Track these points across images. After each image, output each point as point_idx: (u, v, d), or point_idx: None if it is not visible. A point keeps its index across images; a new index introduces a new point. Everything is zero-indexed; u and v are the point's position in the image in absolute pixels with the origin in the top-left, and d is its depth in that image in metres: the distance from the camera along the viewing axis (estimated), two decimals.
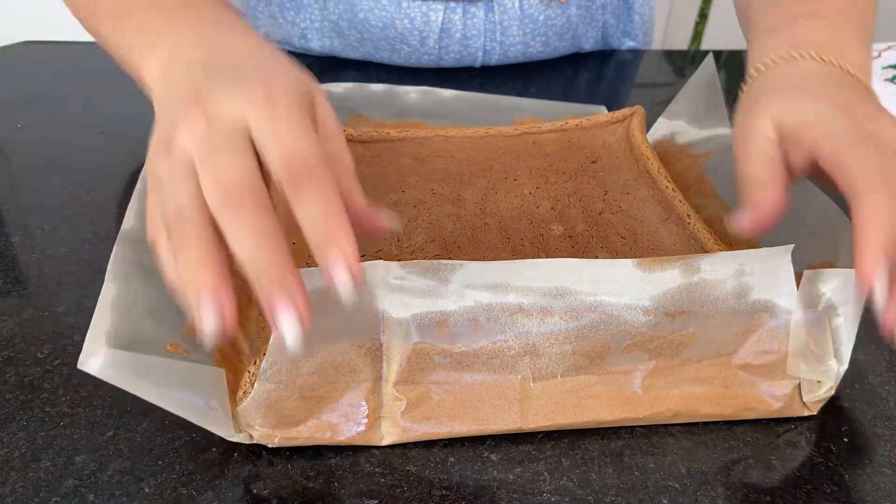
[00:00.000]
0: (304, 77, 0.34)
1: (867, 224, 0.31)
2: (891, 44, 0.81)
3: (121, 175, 0.55)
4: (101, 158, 0.58)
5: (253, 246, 0.27)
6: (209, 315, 0.26)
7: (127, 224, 0.39)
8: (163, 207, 0.29)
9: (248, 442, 0.33)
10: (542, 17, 0.72)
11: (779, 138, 0.37)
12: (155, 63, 0.37)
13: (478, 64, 0.75)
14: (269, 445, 0.33)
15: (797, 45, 0.42)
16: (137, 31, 0.40)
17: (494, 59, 0.75)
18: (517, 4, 0.71)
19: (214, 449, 0.34)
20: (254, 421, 0.33)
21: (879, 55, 0.79)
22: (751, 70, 0.43)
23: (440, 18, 0.69)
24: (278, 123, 0.29)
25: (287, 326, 0.26)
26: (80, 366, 0.29)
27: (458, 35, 0.71)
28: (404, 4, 0.69)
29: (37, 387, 0.37)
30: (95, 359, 0.29)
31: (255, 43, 0.36)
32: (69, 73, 0.73)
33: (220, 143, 0.29)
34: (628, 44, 0.83)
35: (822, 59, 0.40)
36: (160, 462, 0.33)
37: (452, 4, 0.69)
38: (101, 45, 0.47)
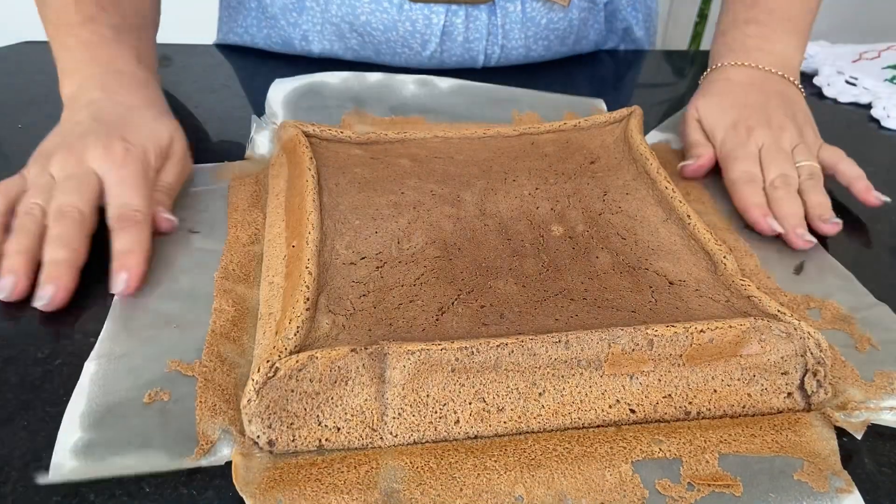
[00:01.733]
0: (163, 136, 0.50)
1: (743, 202, 0.51)
2: (891, 44, 0.81)
3: None
4: None
5: (59, 246, 0.42)
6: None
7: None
8: (21, 200, 0.44)
9: (221, 463, 0.33)
10: (543, 21, 0.72)
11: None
12: (67, 85, 0.53)
13: (478, 66, 0.75)
14: (274, 451, 0.33)
15: (735, 50, 0.62)
16: (64, 51, 0.54)
17: (494, 62, 0.75)
18: (519, 8, 0.71)
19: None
20: (258, 427, 0.33)
21: (879, 55, 0.79)
22: (709, 68, 0.64)
23: (442, 21, 0.69)
24: (122, 182, 0.45)
25: (46, 294, 0.40)
26: (40, 480, 0.31)
27: (459, 38, 0.71)
28: (406, 7, 0.68)
29: (37, 387, 0.37)
30: (50, 474, 0.32)
31: (142, 102, 0.52)
32: None
33: (73, 179, 0.45)
34: (637, 32, 0.83)
35: (749, 65, 0.61)
36: None
37: (455, 7, 0.69)
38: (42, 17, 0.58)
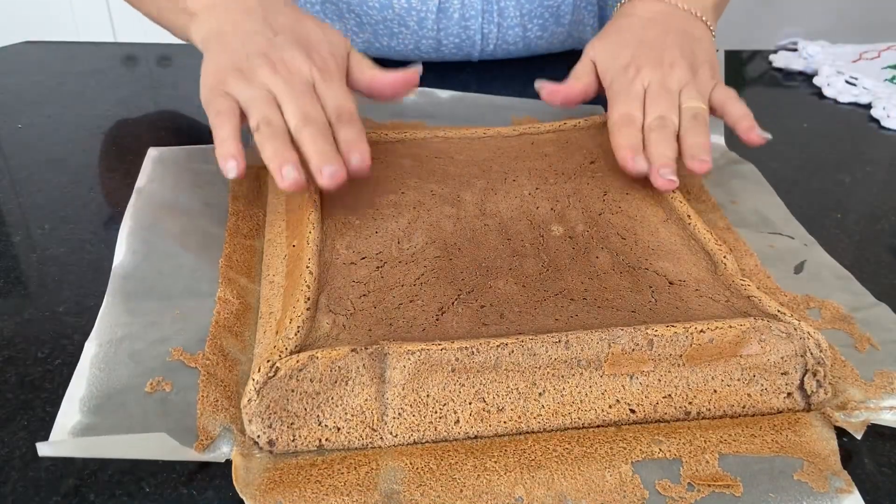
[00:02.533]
0: (341, 41, 0.51)
1: (615, 144, 0.50)
2: (891, 44, 0.81)
3: (121, 175, 0.55)
4: (102, 158, 0.58)
5: (313, 143, 0.43)
6: (288, 176, 0.42)
7: (118, 259, 0.43)
8: (253, 112, 0.45)
9: (221, 460, 0.33)
10: None
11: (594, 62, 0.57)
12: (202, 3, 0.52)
13: (476, 51, 0.74)
14: (274, 451, 0.33)
15: None
16: None
17: (492, 45, 0.74)
18: None
19: None
20: (258, 427, 0.33)
21: (879, 55, 0.79)
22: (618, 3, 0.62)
23: None
24: (331, 84, 0.47)
25: (326, 175, 0.42)
26: (39, 452, 0.30)
27: (455, 16, 0.71)
28: None
29: (37, 386, 0.37)
30: (49, 447, 0.31)
31: (296, 8, 0.52)
32: (69, 73, 0.73)
33: (298, 88, 0.46)
34: None
35: (656, 0, 0.58)
36: (160, 461, 0.33)
37: None
38: None
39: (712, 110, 0.53)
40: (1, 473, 0.32)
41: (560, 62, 0.79)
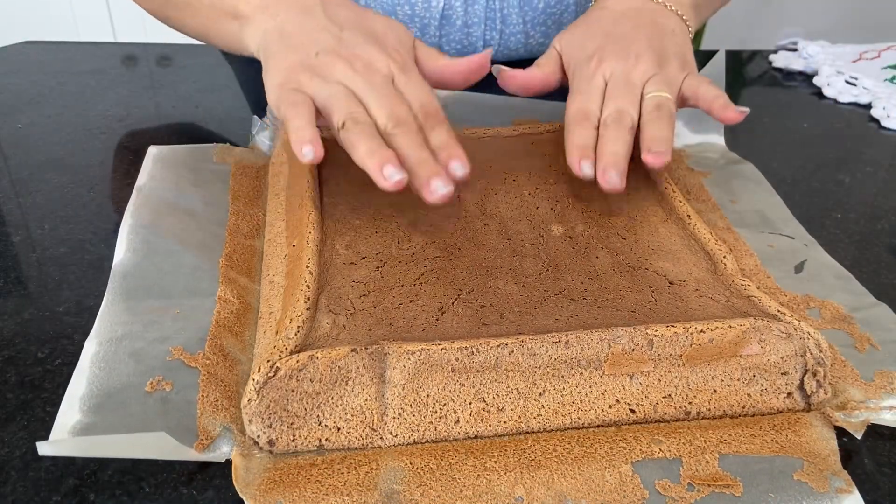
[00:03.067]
0: (405, 32, 0.49)
1: (567, 143, 0.47)
2: (891, 44, 0.81)
3: (121, 175, 0.55)
4: (101, 158, 0.58)
5: (413, 150, 0.41)
6: (395, 175, 0.40)
7: (118, 257, 0.43)
8: (336, 110, 0.43)
9: (221, 460, 0.33)
10: (541, 5, 0.72)
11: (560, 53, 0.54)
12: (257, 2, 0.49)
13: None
14: (274, 451, 0.33)
15: None
16: None
17: (494, 51, 0.74)
18: None
19: None
20: (258, 427, 0.33)
21: (879, 55, 0.79)
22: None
23: (441, 5, 0.69)
24: (410, 77, 0.45)
25: (439, 188, 0.40)
26: (40, 451, 0.30)
27: (458, 23, 0.71)
28: None
29: (37, 386, 0.37)
30: (50, 446, 0.31)
31: (353, 2, 0.50)
32: (69, 73, 0.73)
33: (380, 84, 0.44)
34: None
35: None
36: (160, 461, 0.33)
37: None
38: None
39: (684, 101, 0.50)
40: (1, 473, 0.32)
41: None
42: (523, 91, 0.54)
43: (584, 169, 0.45)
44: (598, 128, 0.47)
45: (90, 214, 0.51)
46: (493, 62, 0.75)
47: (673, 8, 0.56)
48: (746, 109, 0.47)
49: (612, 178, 0.44)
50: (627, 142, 0.46)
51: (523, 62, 0.76)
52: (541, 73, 0.54)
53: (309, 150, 0.40)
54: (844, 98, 0.73)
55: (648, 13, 0.54)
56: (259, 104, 0.63)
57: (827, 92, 0.74)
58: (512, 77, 0.53)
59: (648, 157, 0.45)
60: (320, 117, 0.44)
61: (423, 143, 0.42)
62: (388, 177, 0.40)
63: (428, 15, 0.70)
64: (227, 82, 0.72)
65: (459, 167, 0.42)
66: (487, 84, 0.67)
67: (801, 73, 0.79)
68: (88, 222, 0.50)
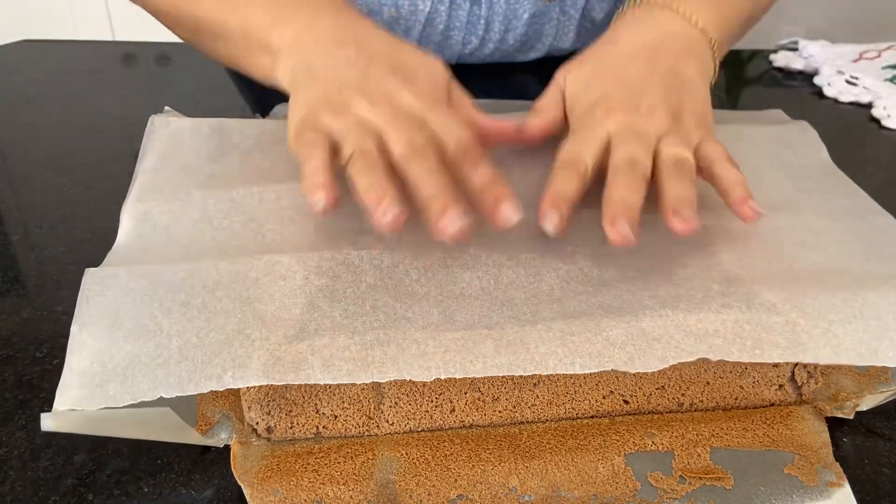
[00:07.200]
0: (440, 69, 0.46)
1: (548, 189, 0.41)
2: (891, 44, 0.81)
3: (120, 175, 0.55)
4: (101, 158, 0.58)
5: (428, 176, 0.38)
6: (389, 212, 0.36)
7: (120, 239, 0.42)
8: (347, 143, 0.39)
9: (220, 445, 0.33)
10: (526, 16, 0.71)
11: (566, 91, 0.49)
12: (289, 33, 0.46)
13: (454, 58, 0.74)
14: (272, 438, 0.33)
15: (638, 3, 0.52)
16: (257, 7, 0.48)
17: (469, 51, 0.73)
18: (503, 0, 0.70)
19: (214, 448, 0.34)
20: (257, 414, 0.33)
21: (879, 55, 0.79)
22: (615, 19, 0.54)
23: (427, 9, 0.68)
24: (440, 111, 0.42)
25: (452, 221, 0.36)
26: (43, 426, 0.30)
27: (441, 27, 0.70)
28: None
29: (35, 386, 0.37)
30: (52, 420, 0.30)
31: (389, 35, 0.47)
32: (69, 73, 0.73)
33: (402, 118, 0.41)
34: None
35: (650, 25, 0.50)
36: (159, 461, 0.33)
37: None
38: (186, 21, 0.53)
39: (698, 170, 0.42)
40: (0, 472, 0.32)
41: (556, 63, 0.79)
42: (529, 144, 0.48)
43: (549, 218, 0.39)
44: (585, 181, 0.42)
45: (89, 214, 0.51)
46: (467, 65, 0.75)
47: (699, 24, 0.50)
48: (765, 213, 0.41)
49: (623, 228, 0.37)
50: (641, 190, 0.40)
51: (495, 65, 0.76)
52: (540, 123, 0.48)
53: (320, 197, 0.37)
54: (845, 98, 0.73)
55: (666, 54, 0.48)
56: (259, 103, 0.63)
57: (827, 92, 0.74)
58: (526, 134, 0.48)
59: (675, 222, 0.38)
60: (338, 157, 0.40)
61: (442, 169, 0.38)
62: (383, 212, 0.36)
63: (413, 18, 0.69)
64: (226, 81, 0.72)
65: (511, 213, 0.37)
66: (478, 88, 0.67)
67: (801, 73, 0.79)
68: (87, 222, 0.50)
